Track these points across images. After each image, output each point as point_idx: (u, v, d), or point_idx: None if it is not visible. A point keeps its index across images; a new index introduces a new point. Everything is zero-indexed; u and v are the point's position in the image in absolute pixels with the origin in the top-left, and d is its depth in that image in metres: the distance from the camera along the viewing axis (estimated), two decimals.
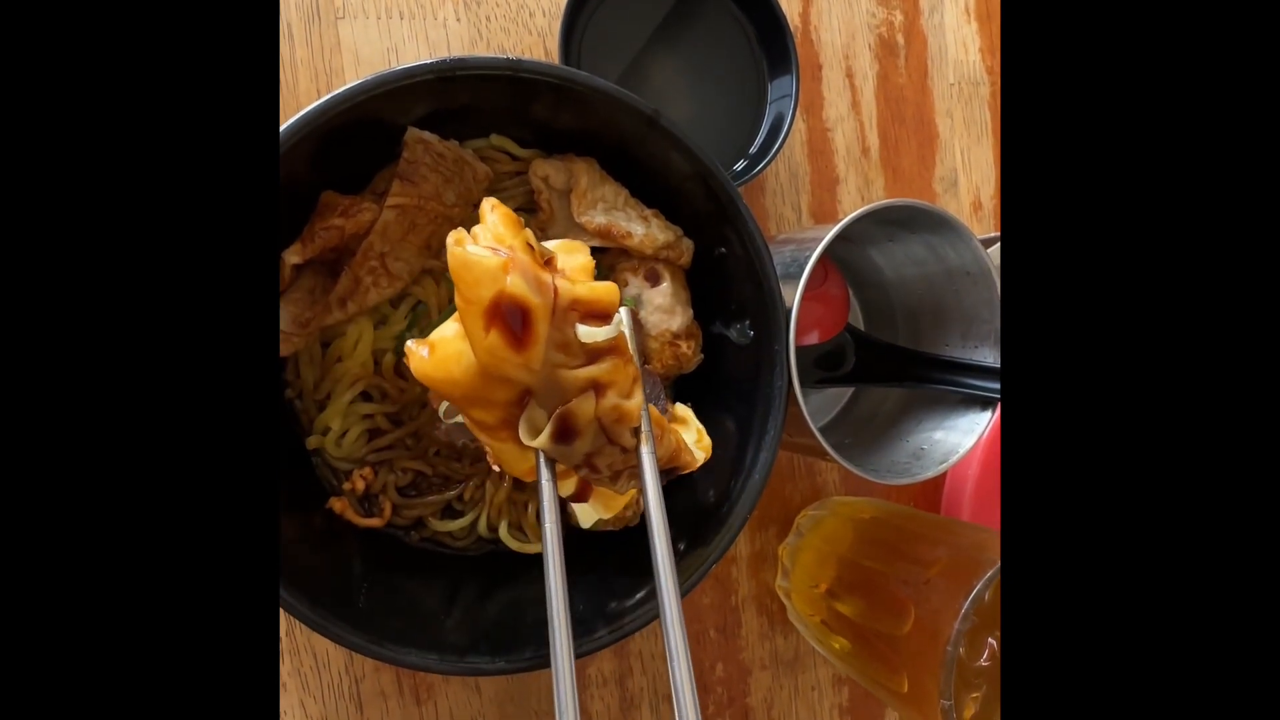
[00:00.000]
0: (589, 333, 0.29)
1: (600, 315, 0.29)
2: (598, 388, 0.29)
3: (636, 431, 0.30)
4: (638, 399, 0.30)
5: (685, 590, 0.39)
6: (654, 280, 0.42)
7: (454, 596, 0.40)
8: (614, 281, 0.42)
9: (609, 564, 0.41)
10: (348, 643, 0.34)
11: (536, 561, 0.43)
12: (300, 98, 0.46)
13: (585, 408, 0.29)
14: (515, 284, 0.27)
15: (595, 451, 0.30)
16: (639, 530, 0.43)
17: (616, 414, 0.30)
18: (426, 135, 0.38)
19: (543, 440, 0.30)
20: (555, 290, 0.28)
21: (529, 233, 0.30)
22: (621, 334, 0.30)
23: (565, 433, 0.29)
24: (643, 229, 0.41)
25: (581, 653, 0.37)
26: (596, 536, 0.42)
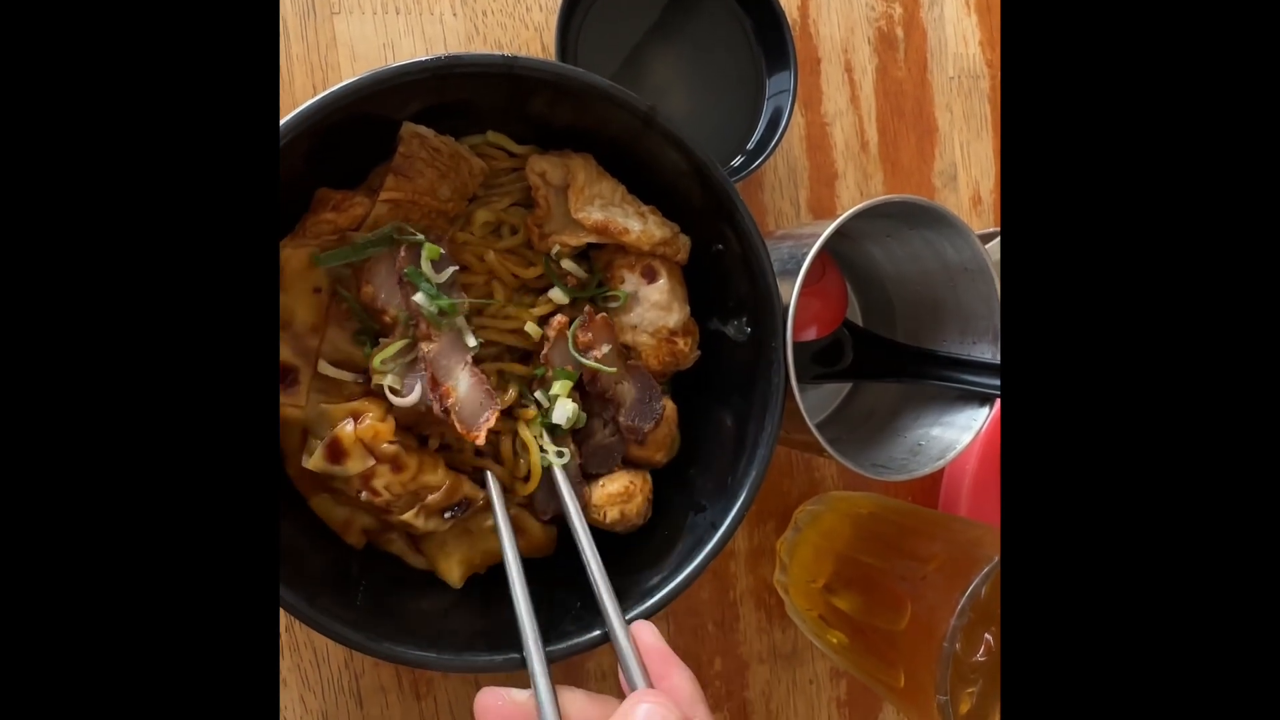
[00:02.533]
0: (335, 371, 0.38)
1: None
2: (355, 416, 0.37)
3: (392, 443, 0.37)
4: (390, 423, 0.38)
5: (684, 585, 0.39)
6: (651, 277, 0.42)
7: (451, 594, 0.40)
8: (610, 278, 0.43)
9: (610, 565, 0.41)
10: (346, 641, 0.34)
11: (534, 559, 0.43)
12: (296, 93, 0.45)
13: (346, 430, 0.37)
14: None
15: (369, 473, 0.37)
16: (638, 532, 0.43)
17: (372, 432, 0.37)
18: (423, 130, 0.38)
19: (316, 460, 0.37)
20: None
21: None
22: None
23: (335, 453, 0.37)
24: (640, 225, 0.41)
25: (582, 648, 0.37)
26: (599, 537, 0.42)
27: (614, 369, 0.41)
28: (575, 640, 0.36)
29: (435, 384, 0.37)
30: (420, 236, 0.38)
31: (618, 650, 0.34)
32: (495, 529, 0.38)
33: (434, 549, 0.41)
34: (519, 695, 0.32)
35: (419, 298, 0.37)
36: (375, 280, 0.38)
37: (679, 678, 0.32)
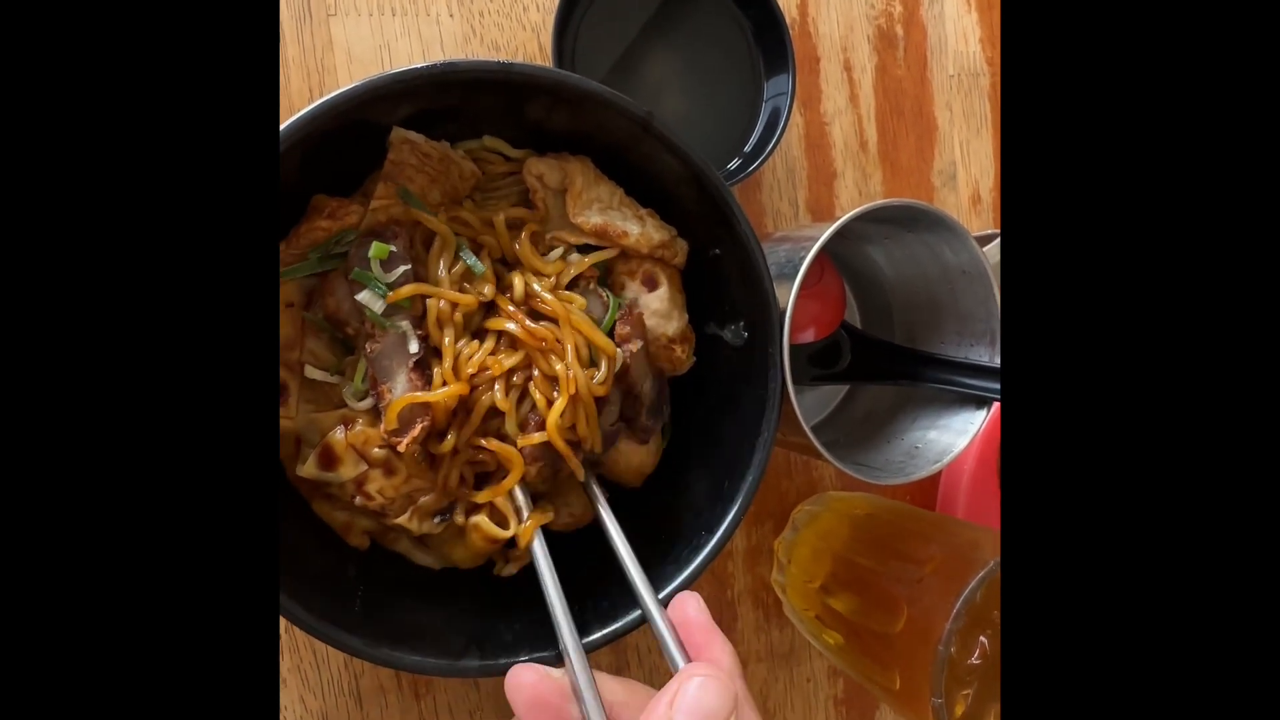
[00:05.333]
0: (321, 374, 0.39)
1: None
2: (346, 421, 0.38)
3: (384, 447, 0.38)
4: (380, 428, 0.37)
5: (681, 588, 0.39)
6: (651, 285, 0.42)
7: (449, 599, 0.40)
8: (611, 284, 0.42)
9: (608, 567, 0.41)
10: (344, 646, 0.34)
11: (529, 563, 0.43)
12: (292, 97, 0.45)
13: (337, 437, 0.38)
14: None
15: (362, 478, 0.37)
16: (637, 535, 0.43)
17: (363, 437, 0.37)
18: (412, 135, 0.38)
19: (309, 468, 0.37)
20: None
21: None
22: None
23: (327, 459, 0.37)
24: (638, 228, 0.41)
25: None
26: (592, 541, 0.42)
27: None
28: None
29: (375, 383, 0.37)
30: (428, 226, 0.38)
31: (656, 631, 0.34)
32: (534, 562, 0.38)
33: (439, 546, 0.42)
34: (554, 672, 0.32)
35: (363, 296, 0.37)
36: (337, 292, 0.37)
37: (719, 650, 0.33)
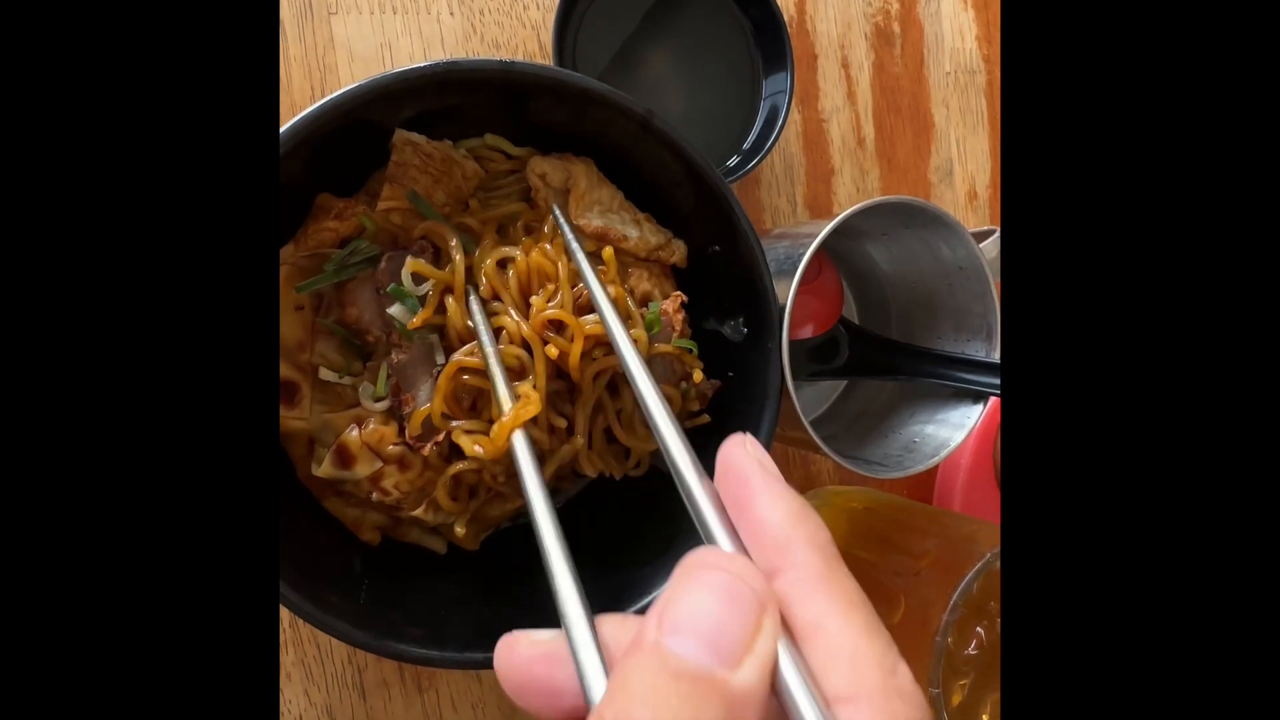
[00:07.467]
0: (333, 375, 0.39)
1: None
2: (358, 421, 0.38)
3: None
4: (394, 426, 0.38)
5: None
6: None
7: (454, 590, 0.41)
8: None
9: (608, 562, 0.41)
10: (350, 639, 0.35)
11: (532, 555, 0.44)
12: (294, 95, 0.46)
13: (351, 436, 0.38)
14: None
15: (378, 475, 0.38)
16: (637, 530, 0.43)
17: (377, 435, 0.38)
18: (414, 136, 0.38)
19: (326, 468, 0.38)
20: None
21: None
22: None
23: (343, 458, 0.38)
24: (637, 232, 0.42)
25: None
26: (598, 528, 0.43)
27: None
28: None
29: (398, 390, 0.38)
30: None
31: (684, 493, 0.24)
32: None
33: (450, 531, 0.42)
34: (542, 635, 0.23)
35: (395, 310, 0.37)
36: (359, 302, 0.38)
37: (766, 505, 0.21)
